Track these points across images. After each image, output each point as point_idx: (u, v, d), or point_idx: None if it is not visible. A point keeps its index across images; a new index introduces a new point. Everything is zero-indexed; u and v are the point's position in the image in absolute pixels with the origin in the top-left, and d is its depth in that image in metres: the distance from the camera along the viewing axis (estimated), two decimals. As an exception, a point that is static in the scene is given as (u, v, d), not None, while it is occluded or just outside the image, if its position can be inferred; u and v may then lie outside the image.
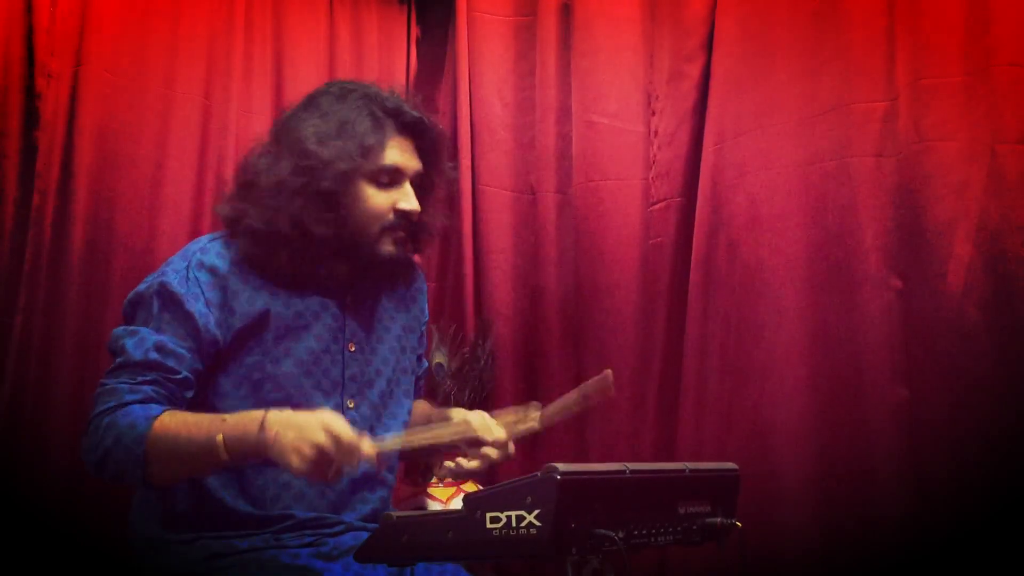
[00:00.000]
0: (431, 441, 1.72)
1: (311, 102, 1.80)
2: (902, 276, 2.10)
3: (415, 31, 3.17)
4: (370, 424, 1.77)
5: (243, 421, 1.53)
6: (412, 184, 1.77)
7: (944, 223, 2.02)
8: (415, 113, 1.79)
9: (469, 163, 2.85)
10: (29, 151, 2.41)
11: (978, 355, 1.95)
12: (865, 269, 2.15)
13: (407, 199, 1.75)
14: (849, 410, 2.14)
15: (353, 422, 1.73)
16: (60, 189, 2.41)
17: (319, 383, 1.72)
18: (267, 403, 1.66)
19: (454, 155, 2.88)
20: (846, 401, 2.15)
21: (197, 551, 1.64)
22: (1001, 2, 1.99)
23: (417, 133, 1.79)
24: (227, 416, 1.56)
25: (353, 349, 1.78)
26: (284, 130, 1.78)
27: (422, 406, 2.00)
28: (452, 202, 2.93)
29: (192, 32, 2.66)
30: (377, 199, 1.74)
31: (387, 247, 1.75)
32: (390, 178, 1.75)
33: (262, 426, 1.49)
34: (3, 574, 2.23)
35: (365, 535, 1.68)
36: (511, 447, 1.75)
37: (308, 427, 1.48)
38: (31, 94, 2.42)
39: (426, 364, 2.06)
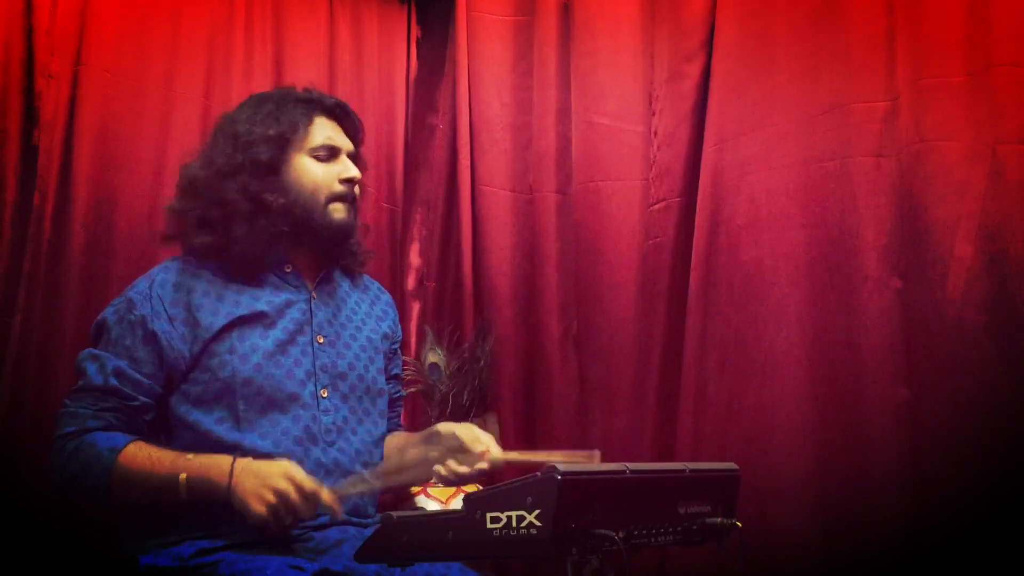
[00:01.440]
0: (394, 480, 1.77)
1: (238, 106, 1.93)
2: (902, 276, 2.09)
3: (415, 31, 3.17)
4: (344, 415, 1.79)
5: (206, 464, 1.61)
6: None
7: (945, 223, 2.02)
8: (335, 99, 1.94)
9: (468, 163, 2.85)
10: (29, 151, 2.41)
11: (979, 355, 1.95)
12: (865, 269, 2.15)
13: (349, 169, 1.87)
14: (849, 410, 2.14)
15: (327, 411, 1.76)
16: (60, 189, 2.41)
17: (291, 372, 1.75)
18: (239, 398, 1.68)
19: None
20: (846, 401, 2.15)
21: (184, 549, 1.65)
22: (1001, 2, 1.99)
23: (341, 117, 1.92)
24: (192, 456, 1.63)
25: (322, 341, 1.82)
26: (216, 130, 1.90)
27: (398, 439, 2.00)
28: (451, 201, 2.94)
29: (192, 32, 2.66)
30: (319, 170, 1.85)
31: (338, 214, 1.85)
32: (328, 153, 1.86)
33: (228, 472, 1.57)
34: (3, 574, 2.23)
35: (351, 529, 1.71)
36: (500, 457, 1.76)
37: (269, 474, 1.55)
38: (31, 94, 2.42)
39: (404, 393, 2.09)
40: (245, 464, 1.58)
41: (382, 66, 3.08)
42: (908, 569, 1.99)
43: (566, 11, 2.79)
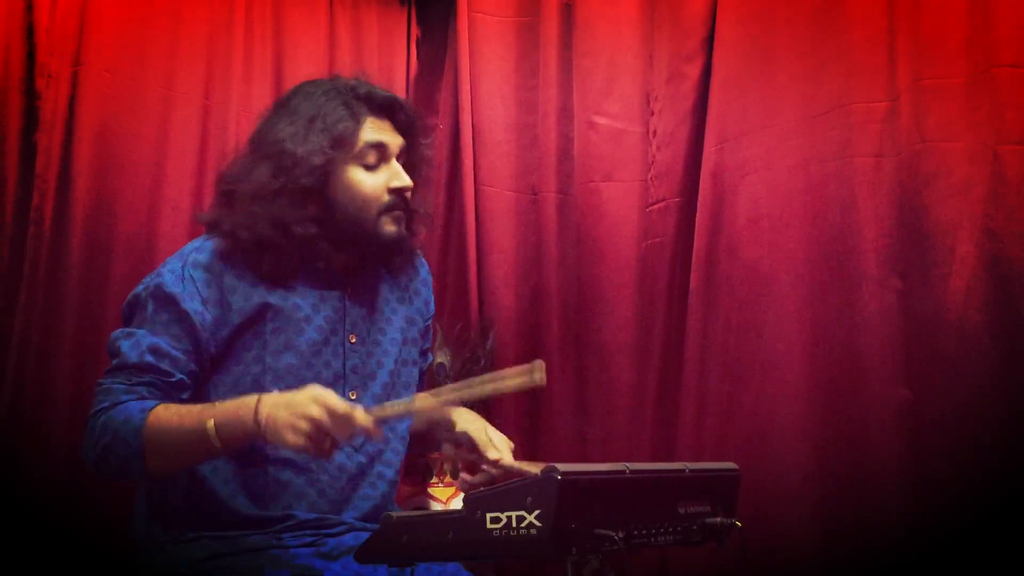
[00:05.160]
0: (433, 408, 1.71)
1: (282, 104, 1.83)
2: (903, 276, 2.09)
3: (415, 31, 3.17)
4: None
5: (234, 406, 1.55)
6: (399, 161, 1.79)
7: (946, 224, 2.02)
8: (386, 93, 1.81)
9: (471, 163, 2.85)
10: (29, 151, 2.41)
11: (979, 356, 1.95)
12: (866, 269, 2.14)
13: (399, 177, 1.77)
14: (849, 410, 2.14)
15: None
16: (60, 189, 2.41)
17: (320, 375, 1.73)
18: None
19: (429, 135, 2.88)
20: (846, 401, 2.15)
21: (197, 551, 1.64)
22: (1002, 3, 1.99)
23: (392, 112, 1.81)
24: (218, 404, 1.59)
25: (354, 340, 1.79)
26: (259, 136, 1.80)
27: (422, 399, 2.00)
28: (452, 202, 2.94)
29: (192, 32, 2.66)
30: (368, 182, 1.75)
31: (388, 227, 1.76)
32: (377, 157, 1.76)
33: (255, 410, 1.50)
34: (3, 574, 2.23)
35: (365, 535, 1.70)
36: (512, 462, 1.74)
37: (300, 403, 1.49)
38: (31, 94, 2.42)
39: (431, 359, 2.07)
40: (274, 398, 1.52)
41: (382, 66, 3.08)
42: (908, 569, 1.99)
43: (567, 11, 2.79)
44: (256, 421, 1.49)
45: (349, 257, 1.80)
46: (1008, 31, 1.97)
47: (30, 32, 2.41)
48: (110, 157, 2.49)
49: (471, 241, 2.82)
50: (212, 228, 1.78)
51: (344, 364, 1.77)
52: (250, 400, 1.53)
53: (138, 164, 2.54)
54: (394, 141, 1.79)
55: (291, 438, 1.47)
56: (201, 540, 1.65)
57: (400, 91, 3.12)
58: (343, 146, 1.73)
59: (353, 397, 1.76)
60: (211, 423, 1.53)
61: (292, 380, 1.68)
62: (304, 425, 1.47)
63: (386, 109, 1.80)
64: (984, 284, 1.96)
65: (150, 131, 2.56)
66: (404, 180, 1.77)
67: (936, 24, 2.06)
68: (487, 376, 1.64)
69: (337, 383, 1.75)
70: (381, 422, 1.58)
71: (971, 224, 1.98)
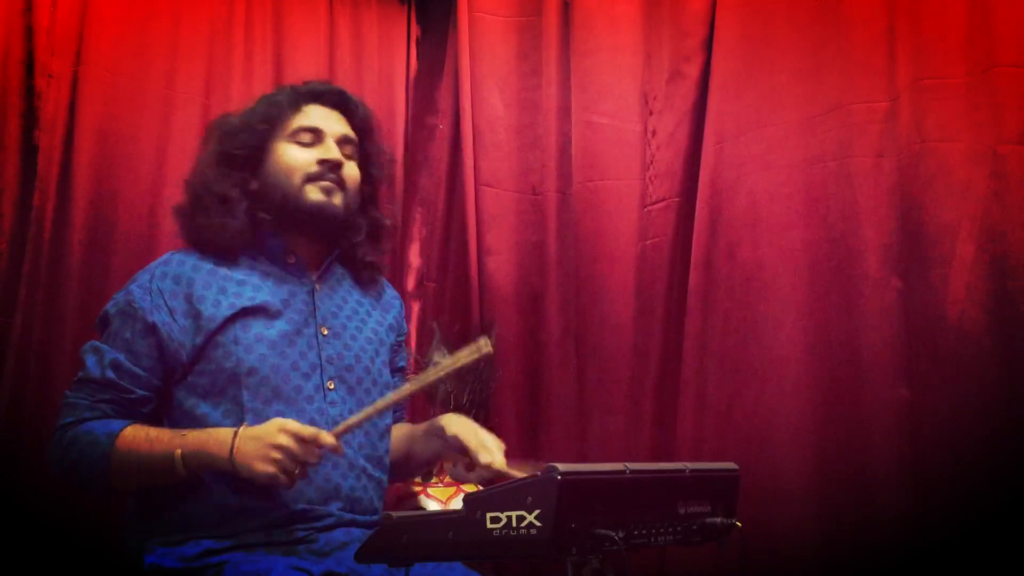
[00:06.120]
0: (391, 402, 1.76)
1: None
2: (902, 276, 2.09)
3: (415, 31, 3.17)
4: (350, 408, 1.79)
5: (203, 438, 1.63)
6: (341, 149, 1.87)
7: (946, 223, 2.02)
8: (329, 85, 1.94)
9: (471, 163, 2.85)
10: (29, 151, 2.41)
11: (979, 356, 1.95)
12: (866, 269, 2.15)
13: (329, 151, 1.85)
14: (849, 410, 2.14)
15: (333, 403, 1.77)
16: (60, 189, 2.41)
17: (296, 364, 1.75)
18: (244, 388, 1.69)
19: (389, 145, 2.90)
20: (846, 401, 2.15)
21: (189, 548, 1.65)
22: (1002, 3, 1.99)
23: (338, 104, 1.91)
24: (187, 432, 1.65)
25: (326, 333, 1.81)
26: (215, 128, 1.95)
27: (404, 429, 2.01)
28: (451, 202, 2.93)
29: (192, 32, 2.66)
30: (297, 153, 1.84)
31: (313, 194, 1.83)
32: (311, 137, 1.86)
33: (231, 446, 1.59)
34: (3, 574, 2.23)
35: (356, 531, 1.72)
36: (503, 470, 1.75)
37: (268, 434, 1.58)
38: (31, 94, 2.42)
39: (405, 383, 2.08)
40: (242, 432, 1.60)
41: (382, 66, 3.08)
42: (908, 569, 1.99)
43: (566, 11, 2.79)
44: (230, 458, 1.58)
45: (314, 245, 1.86)
46: (1008, 31, 1.97)
47: (30, 32, 2.41)
48: (110, 157, 2.50)
49: (471, 241, 2.82)
50: (177, 215, 1.88)
51: (320, 354, 1.79)
52: (222, 435, 1.61)
53: (138, 164, 2.54)
54: (333, 127, 1.88)
55: (262, 468, 1.56)
56: (193, 538, 1.66)
57: (400, 91, 3.12)
58: (274, 123, 1.84)
59: (331, 387, 1.78)
60: (178, 452, 1.61)
61: (267, 370, 1.72)
62: (274, 454, 1.55)
63: (329, 100, 1.91)
64: (984, 284, 1.96)
65: (150, 131, 2.57)
66: (333, 154, 1.84)
67: (936, 24, 2.07)
68: (440, 361, 1.73)
69: (314, 372, 1.77)
70: (344, 435, 1.65)
71: (971, 224, 1.98)
